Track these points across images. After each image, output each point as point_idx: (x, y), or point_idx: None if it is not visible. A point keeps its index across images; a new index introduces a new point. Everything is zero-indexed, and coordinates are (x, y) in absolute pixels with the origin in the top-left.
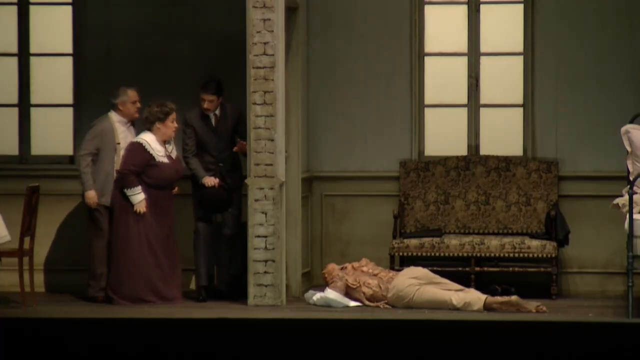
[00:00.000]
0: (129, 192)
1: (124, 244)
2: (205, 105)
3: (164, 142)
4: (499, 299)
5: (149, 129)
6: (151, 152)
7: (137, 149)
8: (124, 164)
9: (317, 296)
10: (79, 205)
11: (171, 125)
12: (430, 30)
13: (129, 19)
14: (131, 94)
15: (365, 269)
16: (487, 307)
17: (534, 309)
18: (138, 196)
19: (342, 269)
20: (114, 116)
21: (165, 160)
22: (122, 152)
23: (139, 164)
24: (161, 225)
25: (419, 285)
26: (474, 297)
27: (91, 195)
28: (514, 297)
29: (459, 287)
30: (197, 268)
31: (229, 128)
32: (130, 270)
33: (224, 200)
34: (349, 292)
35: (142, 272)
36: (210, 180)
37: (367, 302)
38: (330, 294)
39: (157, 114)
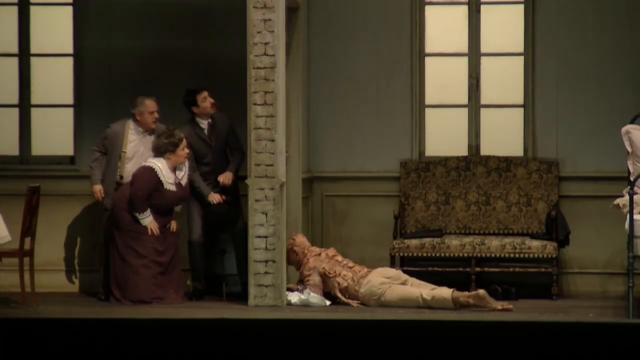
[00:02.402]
0: (139, 216)
1: (122, 253)
2: (211, 100)
3: (175, 169)
4: (466, 293)
5: (161, 157)
6: (161, 178)
7: (149, 173)
8: (135, 188)
9: (295, 299)
10: (80, 205)
11: (182, 153)
12: (430, 30)
13: (129, 19)
14: (149, 104)
15: (339, 259)
16: (455, 302)
17: (500, 307)
18: (148, 219)
19: (315, 254)
20: (130, 124)
21: (173, 188)
22: (126, 161)
23: (149, 189)
24: (161, 240)
25: (390, 283)
26: (443, 291)
27: (96, 190)
28: (481, 291)
29: (432, 286)
30: (195, 273)
31: (222, 138)
32: (132, 274)
33: (229, 216)
34: (323, 280)
35: (142, 278)
36: (216, 197)
37: (338, 294)
38: (313, 298)
39: (167, 145)
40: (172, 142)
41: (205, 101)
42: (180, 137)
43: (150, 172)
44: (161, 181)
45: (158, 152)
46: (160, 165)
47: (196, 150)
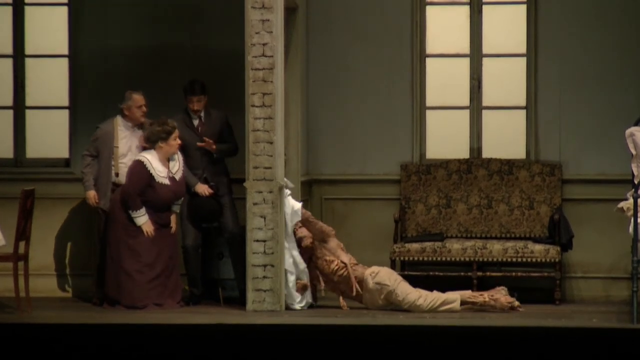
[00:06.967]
0: (133, 214)
1: (116, 256)
2: (195, 106)
3: (167, 160)
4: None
5: (152, 148)
6: (151, 171)
7: (139, 167)
8: (127, 184)
9: (301, 304)
10: (75, 208)
11: (174, 143)
12: (431, 31)
13: (125, 19)
14: (137, 98)
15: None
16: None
17: (510, 303)
18: (142, 218)
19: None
20: (119, 120)
21: (166, 181)
22: (120, 157)
23: (142, 184)
24: (157, 244)
25: (399, 280)
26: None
27: (90, 196)
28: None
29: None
30: (191, 278)
31: (215, 133)
32: (126, 279)
33: (214, 211)
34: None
35: (136, 283)
36: (203, 189)
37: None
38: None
39: (159, 133)
40: (164, 130)
41: (191, 103)
42: (173, 126)
43: (139, 165)
44: (152, 175)
45: (149, 141)
46: (150, 158)
47: (185, 142)
